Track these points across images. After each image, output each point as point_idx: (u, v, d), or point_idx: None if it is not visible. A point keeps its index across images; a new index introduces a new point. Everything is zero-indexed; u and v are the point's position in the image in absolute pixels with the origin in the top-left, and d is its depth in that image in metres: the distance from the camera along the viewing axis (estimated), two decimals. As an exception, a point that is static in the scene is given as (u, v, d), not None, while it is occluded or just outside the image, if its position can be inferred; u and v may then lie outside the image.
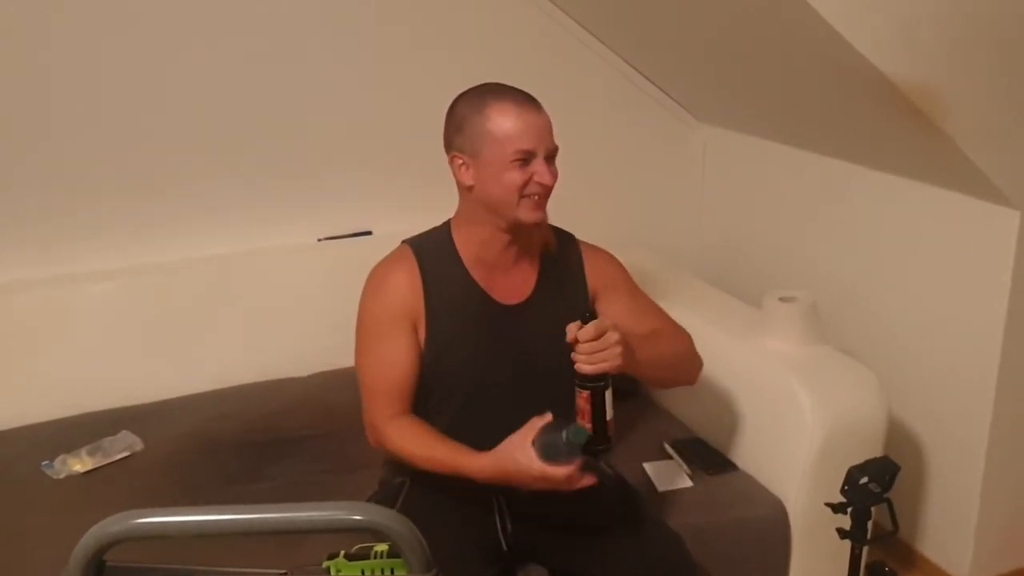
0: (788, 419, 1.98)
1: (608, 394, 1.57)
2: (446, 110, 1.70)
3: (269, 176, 2.61)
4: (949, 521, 2.28)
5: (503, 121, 1.59)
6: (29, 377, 2.34)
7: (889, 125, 2.04)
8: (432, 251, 1.73)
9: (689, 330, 2.27)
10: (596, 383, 1.56)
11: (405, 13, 2.62)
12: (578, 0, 2.69)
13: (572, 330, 1.54)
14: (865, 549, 1.66)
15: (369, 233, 2.68)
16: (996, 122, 1.90)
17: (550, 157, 1.64)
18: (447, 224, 1.76)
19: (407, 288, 1.69)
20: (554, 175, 1.63)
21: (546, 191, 1.63)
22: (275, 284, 2.55)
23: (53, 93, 2.36)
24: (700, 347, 2.24)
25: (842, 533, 1.65)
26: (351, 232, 2.69)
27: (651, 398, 2.39)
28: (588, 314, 1.57)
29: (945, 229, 2.18)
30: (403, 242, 1.77)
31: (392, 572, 1.12)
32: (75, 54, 2.35)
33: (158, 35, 2.41)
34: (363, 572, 1.16)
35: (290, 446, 2.21)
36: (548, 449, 1.47)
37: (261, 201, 2.62)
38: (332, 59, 2.58)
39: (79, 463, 2.10)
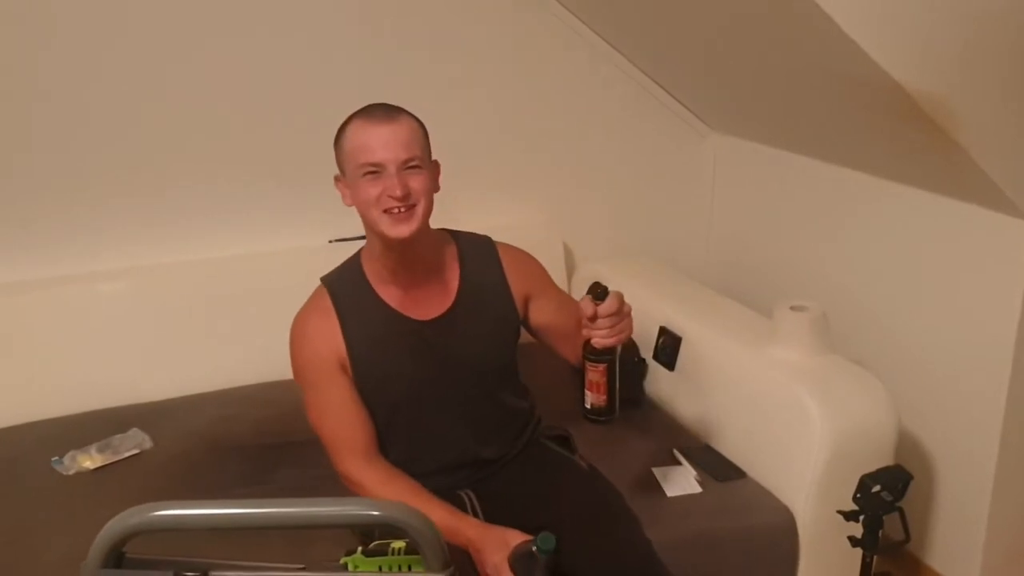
0: (797, 428, 1.98)
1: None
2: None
3: (281, 178, 2.62)
4: (957, 533, 2.28)
5: (353, 136, 1.59)
6: (40, 374, 2.35)
7: (902, 135, 2.04)
8: (346, 283, 1.74)
9: (699, 338, 2.30)
10: (611, 356, 1.62)
11: (417, 19, 2.63)
12: (592, 8, 2.70)
13: (588, 306, 1.55)
14: (875, 558, 1.66)
15: (379, 236, 2.69)
16: (1009, 133, 1.90)
17: (409, 168, 1.58)
18: (358, 253, 1.77)
19: (325, 334, 1.69)
20: (404, 186, 1.56)
21: (405, 204, 1.58)
22: (286, 285, 2.51)
23: (60, 92, 2.37)
24: (710, 355, 2.25)
25: (853, 541, 1.65)
26: (361, 235, 2.68)
27: (660, 406, 2.39)
28: (601, 290, 1.58)
29: (957, 240, 2.18)
30: (320, 279, 1.78)
31: (410, 568, 1.13)
32: (80, 53, 2.36)
33: (167, 36, 2.42)
34: (381, 568, 1.16)
35: (297, 449, 2.19)
36: (519, 564, 1.49)
37: (273, 203, 2.63)
38: (343, 62, 2.59)
39: (89, 460, 2.11)
